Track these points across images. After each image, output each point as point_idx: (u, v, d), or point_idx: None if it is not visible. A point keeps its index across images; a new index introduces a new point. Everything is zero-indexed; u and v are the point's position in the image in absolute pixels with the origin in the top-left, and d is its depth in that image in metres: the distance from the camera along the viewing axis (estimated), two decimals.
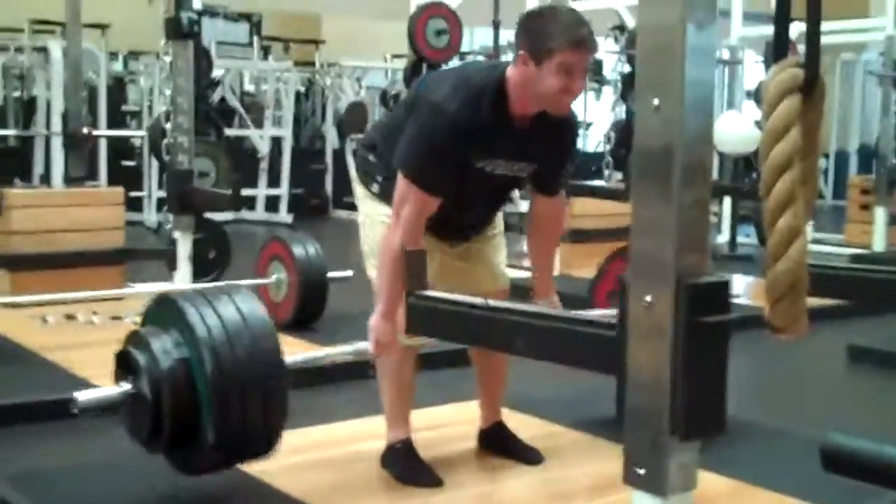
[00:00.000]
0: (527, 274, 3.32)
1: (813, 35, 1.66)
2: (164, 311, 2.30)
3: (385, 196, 2.90)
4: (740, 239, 8.69)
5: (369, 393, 3.33)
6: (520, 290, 3.27)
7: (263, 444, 2.23)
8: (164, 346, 2.21)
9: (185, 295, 2.34)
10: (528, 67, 2.66)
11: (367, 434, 3.27)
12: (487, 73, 2.81)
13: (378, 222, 2.94)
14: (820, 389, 4.76)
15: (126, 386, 2.26)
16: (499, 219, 3.20)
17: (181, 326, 2.22)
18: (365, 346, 2.91)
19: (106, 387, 2.21)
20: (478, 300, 2.11)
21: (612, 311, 1.71)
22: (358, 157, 3.14)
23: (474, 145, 2.75)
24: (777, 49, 1.71)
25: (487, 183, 2.88)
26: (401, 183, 2.75)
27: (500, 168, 2.84)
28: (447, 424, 3.54)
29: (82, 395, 2.24)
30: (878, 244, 8.35)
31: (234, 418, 2.13)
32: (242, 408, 2.14)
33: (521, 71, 2.69)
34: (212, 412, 2.11)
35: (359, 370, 4.24)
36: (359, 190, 3.08)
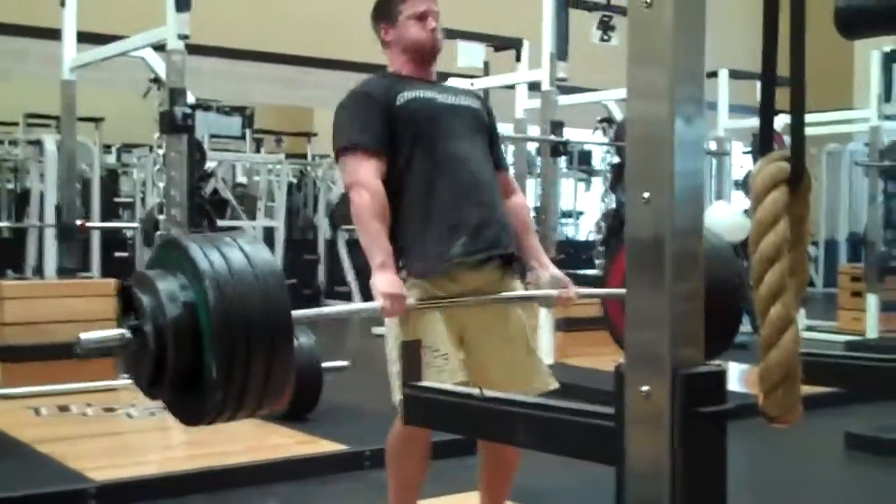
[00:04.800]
0: None
1: (798, 128, 1.69)
2: (169, 253, 2.29)
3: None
4: None
5: (366, 482, 3.31)
6: None
7: (270, 392, 2.18)
8: (169, 288, 2.19)
9: (190, 238, 2.34)
10: (391, 33, 3.09)
11: None
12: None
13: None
14: (817, 478, 4.73)
15: (129, 329, 2.23)
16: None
17: (186, 266, 2.20)
18: (376, 305, 2.73)
19: (108, 330, 2.18)
20: (474, 391, 2.12)
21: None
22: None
23: (387, 94, 2.96)
24: (763, 142, 1.75)
25: (446, 116, 3.00)
26: (346, 160, 2.92)
27: (439, 97, 3.03)
28: None
29: (85, 336, 2.22)
30: (871, 331, 8.38)
31: (239, 359, 2.08)
32: (247, 348, 2.09)
33: (389, 41, 3.10)
34: (215, 352, 2.07)
35: (354, 461, 4.22)
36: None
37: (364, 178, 2.86)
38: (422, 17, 3.04)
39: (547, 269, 3.10)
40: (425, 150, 2.93)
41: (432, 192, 2.91)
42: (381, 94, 2.96)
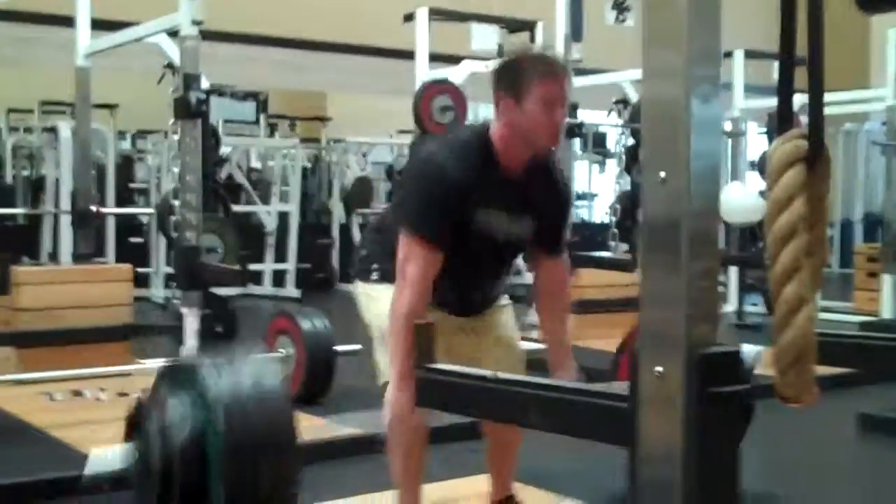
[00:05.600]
0: (538, 346, 3.29)
1: (816, 106, 1.68)
2: (180, 374, 2.28)
3: (385, 278, 2.91)
4: (747, 308, 8.68)
5: (379, 466, 3.31)
6: (532, 364, 3.23)
7: None
8: (179, 411, 2.18)
9: (199, 359, 2.35)
10: (509, 108, 2.74)
11: None
12: (473, 127, 2.94)
13: (382, 296, 2.90)
14: (832, 459, 4.71)
15: (136, 451, 2.23)
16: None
17: (196, 390, 2.20)
18: (380, 417, 2.78)
19: (115, 451, 2.18)
20: (488, 373, 2.11)
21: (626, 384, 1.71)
22: (358, 260, 3.16)
23: (469, 194, 2.75)
24: (781, 120, 1.73)
25: (491, 244, 2.86)
26: (403, 242, 2.74)
27: (502, 223, 2.84)
28: (458, 499, 3.51)
29: (93, 457, 2.24)
30: (887, 311, 8.33)
31: (246, 487, 2.09)
32: (254, 477, 2.10)
33: (503, 114, 2.76)
34: (223, 479, 2.07)
35: (368, 445, 4.22)
36: (359, 288, 3.11)
37: (414, 274, 2.69)
38: (551, 104, 2.70)
39: (566, 372, 3.03)
40: (454, 263, 2.79)
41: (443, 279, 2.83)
42: (462, 193, 2.73)
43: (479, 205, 2.79)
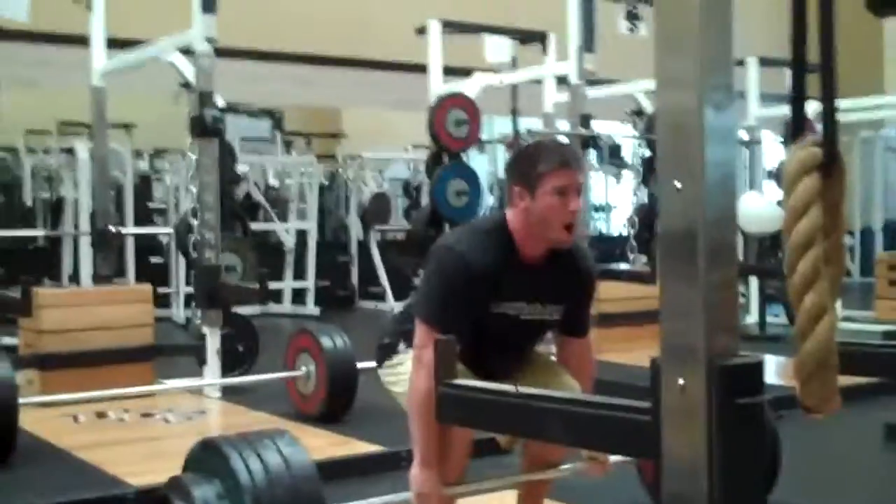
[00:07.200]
0: None
1: (830, 113, 1.67)
2: (208, 457, 2.29)
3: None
4: (769, 319, 8.64)
5: (402, 483, 3.29)
6: None
7: None
8: (205, 497, 2.19)
9: (228, 440, 2.35)
10: (524, 199, 2.76)
11: None
12: (491, 218, 2.96)
13: (405, 360, 2.92)
14: (857, 469, 4.67)
15: None
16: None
17: (224, 475, 2.20)
18: (407, 497, 2.80)
19: None
20: (509, 387, 2.11)
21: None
22: (378, 347, 3.13)
23: (489, 285, 2.75)
24: (794, 128, 1.72)
25: (513, 329, 2.85)
26: (420, 330, 2.75)
27: (524, 312, 2.84)
28: None
29: None
30: None
31: None
32: None
33: (519, 205, 2.78)
34: None
35: (390, 462, 4.21)
36: (382, 372, 3.09)
37: (430, 360, 2.53)
38: (564, 194, 2.71)
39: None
40: (476, 344, 2.76)
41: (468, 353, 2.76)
42: (482, 285, 2.73)
43: (500, 295, 2.79)
